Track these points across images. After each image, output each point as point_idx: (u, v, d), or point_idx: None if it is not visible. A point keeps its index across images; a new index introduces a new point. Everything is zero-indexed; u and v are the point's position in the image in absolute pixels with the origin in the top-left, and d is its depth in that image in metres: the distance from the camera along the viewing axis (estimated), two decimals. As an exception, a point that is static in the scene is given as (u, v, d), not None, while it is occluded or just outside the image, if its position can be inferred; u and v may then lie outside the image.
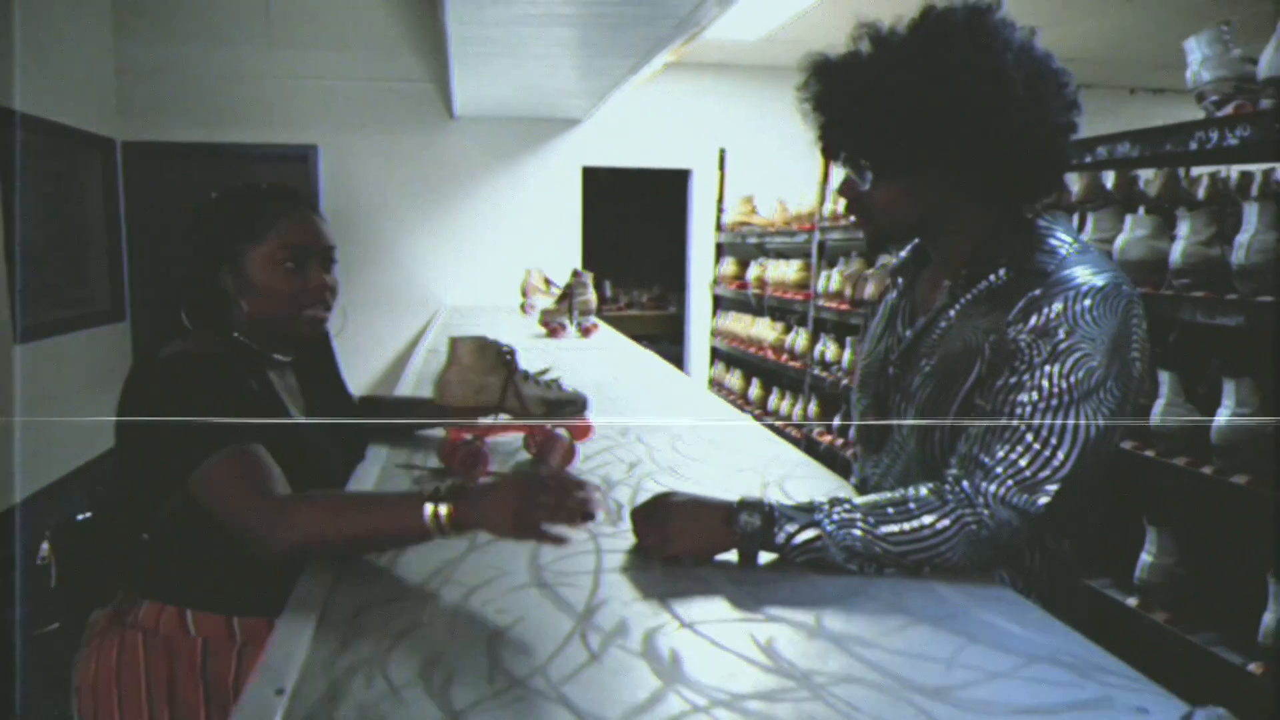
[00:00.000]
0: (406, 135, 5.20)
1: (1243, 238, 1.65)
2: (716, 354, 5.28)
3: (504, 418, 1.49)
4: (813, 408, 3.85)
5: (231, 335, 1.33)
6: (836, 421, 3.66)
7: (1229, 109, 1.67)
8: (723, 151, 5.12)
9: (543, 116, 5.28)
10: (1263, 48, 1.63)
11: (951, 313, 1.16)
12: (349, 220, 5.08)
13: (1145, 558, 1.91)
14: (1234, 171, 3.03)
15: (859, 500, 1.05)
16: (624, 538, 1.14)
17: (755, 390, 4.55)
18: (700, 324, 5.76)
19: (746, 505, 1.05)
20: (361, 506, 1.12)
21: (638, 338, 6.90)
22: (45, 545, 1.33)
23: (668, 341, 6.67)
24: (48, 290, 4.08)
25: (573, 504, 0.96)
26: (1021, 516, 1.01)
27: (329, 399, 1.49)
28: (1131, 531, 1.96)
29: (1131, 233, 1.94)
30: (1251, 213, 1.65)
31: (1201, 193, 2.61)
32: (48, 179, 4.20)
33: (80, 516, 1.39)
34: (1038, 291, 1.06)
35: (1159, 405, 1.87)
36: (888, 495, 1.05)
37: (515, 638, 0.87)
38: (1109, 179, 2.49)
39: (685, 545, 1.06)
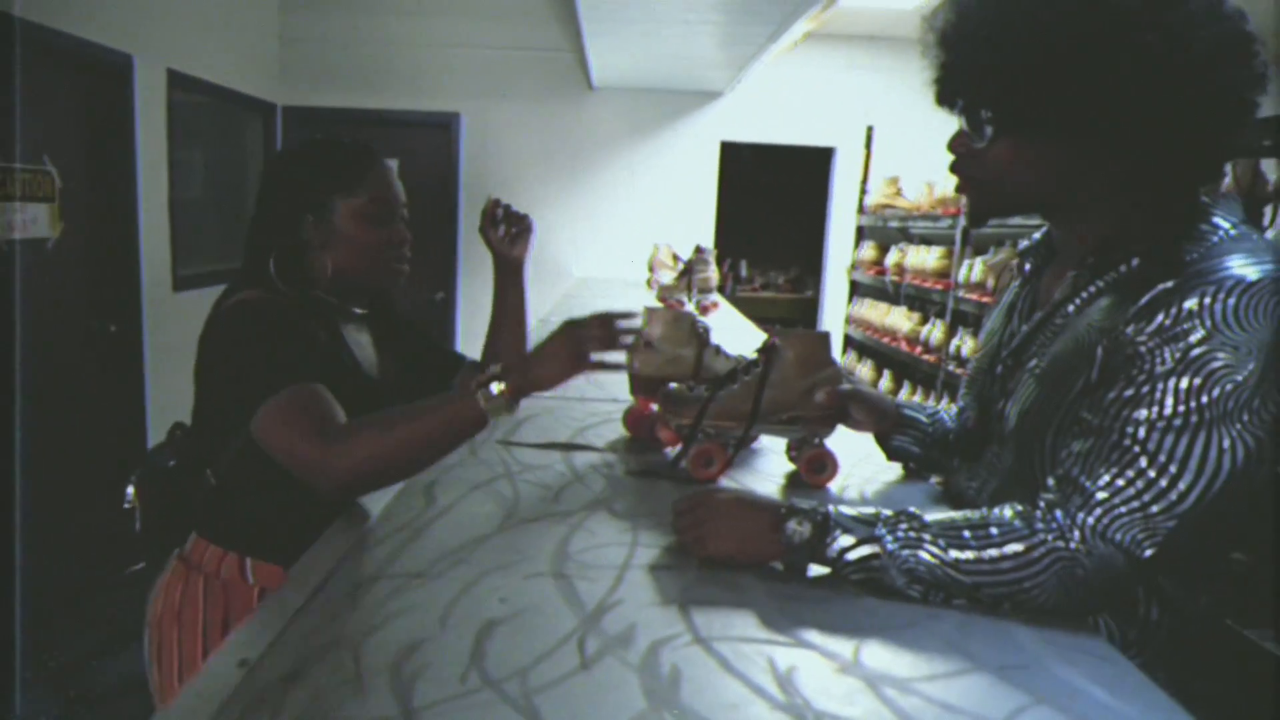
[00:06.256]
0: (546, 104, 5.20)
1: None
2: (850, 342, 5.04)
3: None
4: (944, 404, 3.58)
5: (306, 287, 1.31)
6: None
7: None
8: (870, 129, 4.85)
9: (682, 89, 5.15)
10: None
11: (1070, 307, 0.98)
12: (485, 187, 5.16)
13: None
14: None
15: (930, 518, 0.90)
16: (666, 532, 1.04)
17: (886, 383, 4.31)
18: (835, 310, 5.51)
19: (796, 511, 0.92)
20: (410, 414, 1.10)
21: (771, 320, 6.74)
22: (130, 489, 1.36)
23: (801, 326, 6.45)
24: (201, 245, 4.33)
25: (614, 331, 1.15)
26: (1126, 557, 0.83)
27: (409, 354, 1.49)
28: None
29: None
30: None
31: None
32: (213, 140, 4.47)
33: (171, 463, 1.42)
34: (1170, 284, 0.86)
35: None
36: (963, 515, 0.90)
37: (507, 634, 0.79)
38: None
39: (723, 548, 0.95)
